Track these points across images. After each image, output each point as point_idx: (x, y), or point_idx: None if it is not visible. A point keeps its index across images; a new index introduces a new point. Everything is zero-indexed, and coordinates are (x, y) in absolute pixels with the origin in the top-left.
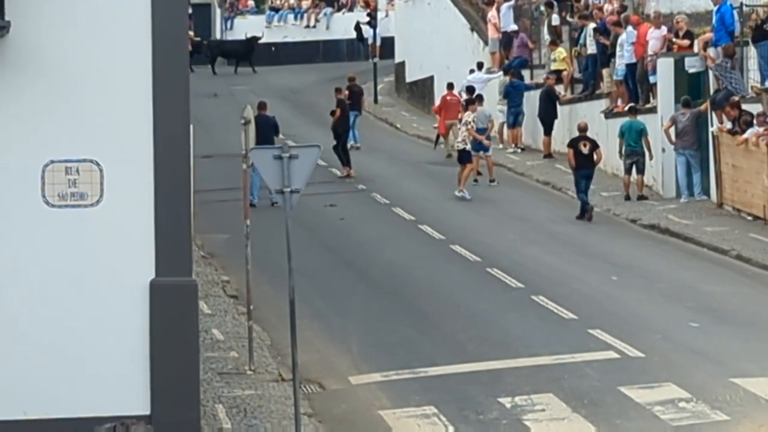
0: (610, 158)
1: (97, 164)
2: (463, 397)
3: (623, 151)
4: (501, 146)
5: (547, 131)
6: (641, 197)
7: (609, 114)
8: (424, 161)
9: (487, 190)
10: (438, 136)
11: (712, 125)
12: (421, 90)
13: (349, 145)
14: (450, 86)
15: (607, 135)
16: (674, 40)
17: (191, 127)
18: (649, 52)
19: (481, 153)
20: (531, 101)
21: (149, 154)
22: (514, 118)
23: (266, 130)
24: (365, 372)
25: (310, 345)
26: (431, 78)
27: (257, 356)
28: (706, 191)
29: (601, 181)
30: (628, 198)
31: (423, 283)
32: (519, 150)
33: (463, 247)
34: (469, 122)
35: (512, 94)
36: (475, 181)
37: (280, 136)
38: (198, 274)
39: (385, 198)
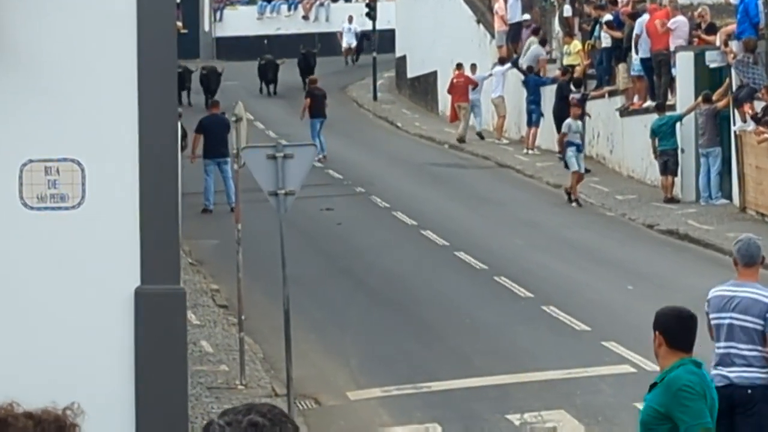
0: (626, 159)
1: (79, 164)
2: (469, 414)
3: (656, 152)
4: (501, 141)
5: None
6: (670, 200)
7: (625, 112)
8: (427, 162)
9: (493, 193)
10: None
11: (734, 124)
12: (424, 86)
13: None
14: (459, 66)
15: (622, 134)
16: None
17: (179, 125)
18: (671, 43)
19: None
20: (548, 98)
21: (134, 153)
22: (529, 116)
23: (218, 131)
24: (364, 387)
25: (306, 358)
26: (434, 74)
27: (249, 370)
28: (728, 194)
29: (616, 183)
30: (668, 200)
31: (426, 292)
32: (529, 152)
33: (468, 254)
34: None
35: (527, 90)
36: (573, 200)
37: (272, 134)
38: (186, 282)
39: (385, 201)
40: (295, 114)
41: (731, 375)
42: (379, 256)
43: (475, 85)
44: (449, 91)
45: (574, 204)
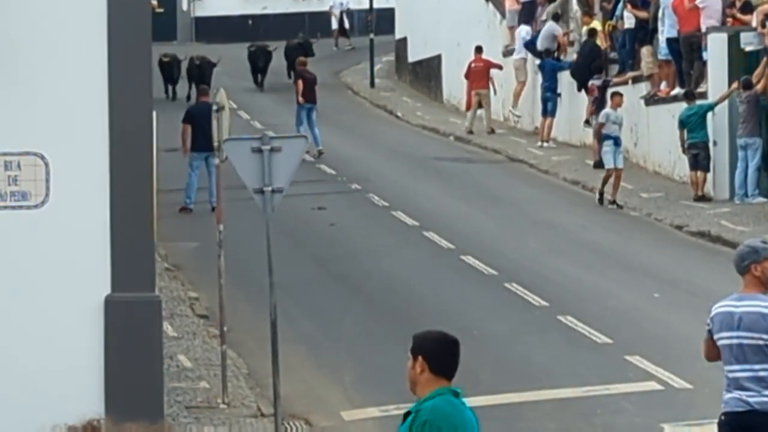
0: (651, 153)
1: (43, 158)
2: None
3: (685, 145)
4: (515, 111)
5: (582, 86)
6: (700, 198)
7: (650, 100)
8: (431, 156)
9: (504, 190)
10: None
11: None
12: (426, 71)
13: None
14: (478, 50)
15: (647, 125)
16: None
17: (154, 114)
18: (702, 24)
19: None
20: (567, 85)
21: (104, 146)
22: (544, 105)
23: (207, 121)
24: (360, 406)
25: (295, 374)
26: (438, 58)
27: (232, 387)
28: (765, 192)
29: (641, 179)
30: (698, 199)
31: (428, 300)
32: (545, 144)
33: (476, 258)
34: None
35: (543, 75)
36: (612, 201)
37: (258, 125)
38: (162, 290)
39: (383, 200)
40: (283, 103)
41: (751, 400)
42: (376, 260)
43: (499, 67)
44: (466, 77)
45: (612, 206)
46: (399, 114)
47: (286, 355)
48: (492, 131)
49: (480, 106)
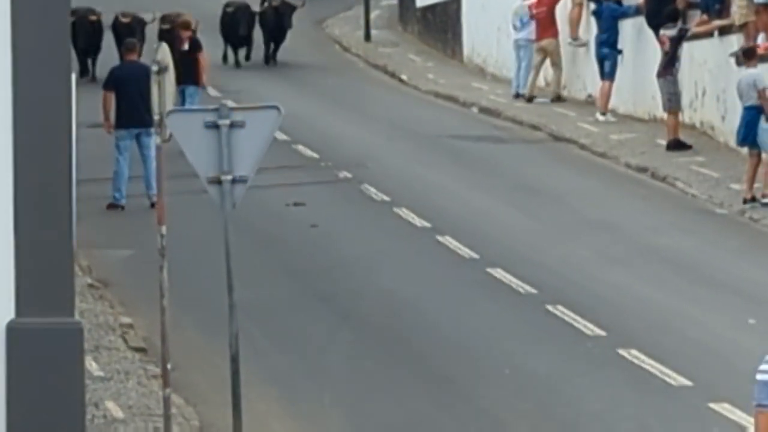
0: None
1: None
2: None
3: None
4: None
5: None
6: None
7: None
8: (446, 134)
9: (546, 180)
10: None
11: None
12: (441, 20)
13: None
14: None
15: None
16: None
17: (73, 78)
18: None
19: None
20: (630, 38)
21: (6, 123)
22: (600, 65)
23: (137, 87)
24: None
25: (264, 426)
26: (456, 1)
27: None
28: None
29: (729, 165)
30: None
31: (444, 328)
32: (601, 117)
33: (507, 272)
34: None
35: (599, 25)
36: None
37: (214, 93)
38: (83, 314)
39: (383, 193)
40: (248, 65)
41: None
42: (373, 273)
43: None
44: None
45: (751, 205)
46: (404, 77)
47: (251, 400)
48: (559, 98)
49: (542, 63)
